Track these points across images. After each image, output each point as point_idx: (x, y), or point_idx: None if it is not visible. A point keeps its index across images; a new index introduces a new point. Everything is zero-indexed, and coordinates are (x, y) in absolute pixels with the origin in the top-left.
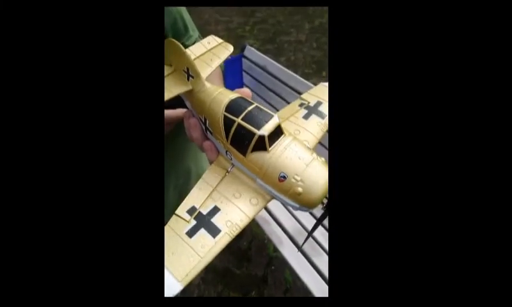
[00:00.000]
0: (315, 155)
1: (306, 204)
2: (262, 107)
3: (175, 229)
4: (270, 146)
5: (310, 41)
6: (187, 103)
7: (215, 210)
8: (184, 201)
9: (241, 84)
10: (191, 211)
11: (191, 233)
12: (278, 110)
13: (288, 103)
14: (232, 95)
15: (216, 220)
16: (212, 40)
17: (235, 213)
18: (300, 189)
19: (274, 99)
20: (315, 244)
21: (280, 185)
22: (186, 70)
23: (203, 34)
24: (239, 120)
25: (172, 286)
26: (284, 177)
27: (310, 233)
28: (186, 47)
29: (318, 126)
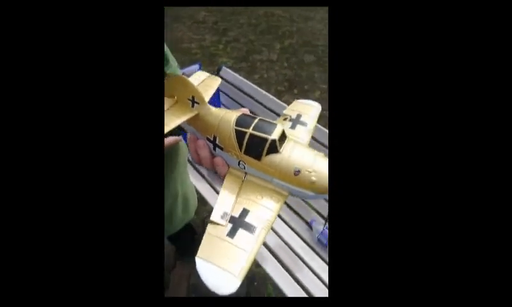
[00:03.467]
0: (315, 151)
1: (321, 191)
2: (264, 118)
3: (217, 235)
4: (280, 148)
5: (281, 60)
6: (190, 128)
7: (245, 211)
8: (214, 210)
9: (218, 103)
10: (224, 216)
11: (231, 234)
12: None
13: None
14: (237, 113)
15: (249, 219)
16: (202, 74)
17: (262, 211)
18: (314, 178)
19: None
20: (297, 258)
21: (296, 179)
22: (191, 98)
23: (179, 51)
24: (250, 130)
25: (232, 283)
26: (298, 171)
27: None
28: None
29: (305, 133)
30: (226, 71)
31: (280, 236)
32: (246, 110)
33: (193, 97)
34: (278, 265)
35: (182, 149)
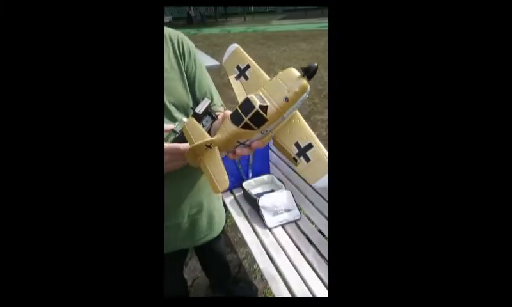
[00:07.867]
0: (269, 77)
1: (303, 89)
2: (246, 97)
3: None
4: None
5: None
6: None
7: (297, 144)
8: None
9: (268, 170)
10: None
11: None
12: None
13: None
14: (228, 120)
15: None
16: None
17: (300, 130)
18: (297, 89)
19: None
20: None
21: (288, 103)
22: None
23: None
24: (246, 118)
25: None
26: (286, 98)
27: None
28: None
29: (260, 77)
30: None
31: (305, 283)
32: (227, 112)
33: (206, 145)
34: None
35: None
